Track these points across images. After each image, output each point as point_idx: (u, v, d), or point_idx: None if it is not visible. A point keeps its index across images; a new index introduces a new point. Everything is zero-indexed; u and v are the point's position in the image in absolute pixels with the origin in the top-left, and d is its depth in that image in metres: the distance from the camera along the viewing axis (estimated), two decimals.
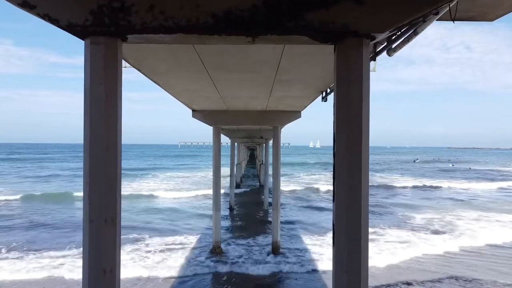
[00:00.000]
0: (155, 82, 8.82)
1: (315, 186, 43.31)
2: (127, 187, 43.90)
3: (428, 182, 51.51)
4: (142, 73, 7.68)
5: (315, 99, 11.23)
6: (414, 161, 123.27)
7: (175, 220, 23.21)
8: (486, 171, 74.21)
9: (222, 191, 33.49)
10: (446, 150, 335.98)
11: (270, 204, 26.22)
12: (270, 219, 22.77)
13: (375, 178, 58.50)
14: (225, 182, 41.65)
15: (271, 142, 28.18)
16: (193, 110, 13.90)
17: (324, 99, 10.16)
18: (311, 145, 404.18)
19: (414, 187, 45.89)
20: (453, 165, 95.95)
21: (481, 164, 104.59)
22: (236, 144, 38.01)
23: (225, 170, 42.22)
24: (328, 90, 9.64)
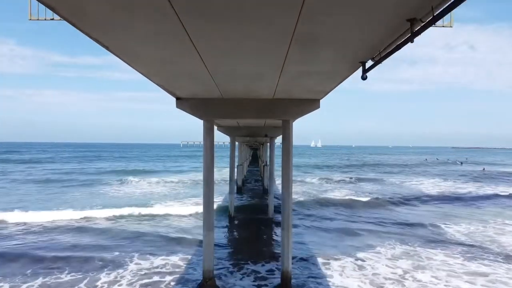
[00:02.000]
0: (102, 45, 5.43)
1: (330, 194, 37.13)
2: (115, 193, 40.76)
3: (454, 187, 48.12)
4: (65, 18, 4.27)
5: (346, 77, 7.80)
6: (425, 159, 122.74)
7: (156, 242, 19.29)
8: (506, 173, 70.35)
9: (220, 199, 29.93)
10: (451, 150, 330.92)
11: (276, 215, 22.89)
12: (276, 231, 19.40)
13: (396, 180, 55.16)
14: (221, 183, 38.27)
15: (277, 140, 24.78)
16: (177, 98, 10.54)
17: (364, 76, 6.69)
18: (312, 144, 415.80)
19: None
20: (461, 164, 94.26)
21: (499, 165, 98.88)
22: (237, 143, 34.78)
23: (225, 171, 38.74)
24: (372, 61, 6.15)
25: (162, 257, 15.18)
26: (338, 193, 38.36)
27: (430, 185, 47.76)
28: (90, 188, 42.39)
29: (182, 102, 10.55)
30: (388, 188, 44.39)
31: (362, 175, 65.27)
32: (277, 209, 25.29)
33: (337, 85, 8.86)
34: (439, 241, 18.46)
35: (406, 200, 33.94)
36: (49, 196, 35.31)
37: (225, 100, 10.49)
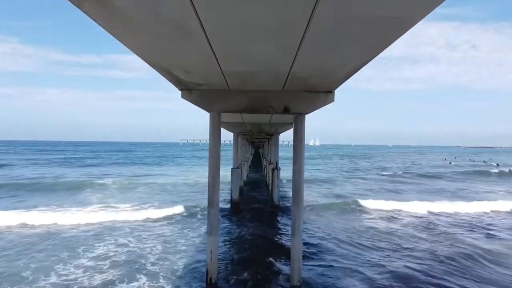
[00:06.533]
0: None
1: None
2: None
3: None
4: None
5: None
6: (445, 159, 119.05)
7: None
8: None
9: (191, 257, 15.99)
10: (458, 150, 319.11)
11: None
12: None
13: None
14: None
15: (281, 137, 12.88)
16: None
17: None
18: (311, 143, 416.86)
19: None
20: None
21: None
22: (232, 136, 23.28)
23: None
24: None
25: None
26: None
27: None
28: None
29: None
30: None
31: (434, 184, 47.38)
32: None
33: None
34: None
35: None
36: None
37: None
